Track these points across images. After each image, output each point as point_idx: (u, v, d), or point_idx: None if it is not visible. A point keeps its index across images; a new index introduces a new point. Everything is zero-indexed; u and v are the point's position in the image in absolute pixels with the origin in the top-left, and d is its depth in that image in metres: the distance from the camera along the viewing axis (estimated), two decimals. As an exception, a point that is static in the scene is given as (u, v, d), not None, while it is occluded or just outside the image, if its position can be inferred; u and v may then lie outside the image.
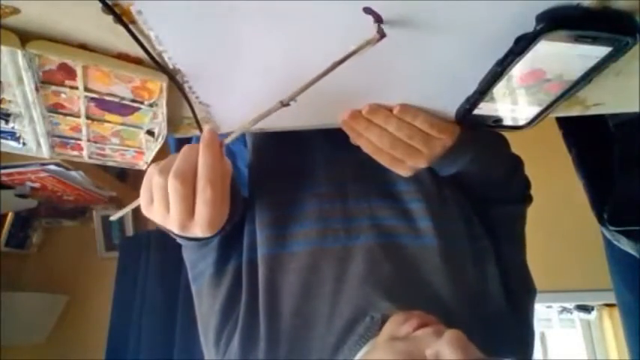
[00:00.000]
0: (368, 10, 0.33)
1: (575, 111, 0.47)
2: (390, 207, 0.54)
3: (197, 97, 0.45)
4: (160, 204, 0.41)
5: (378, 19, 0.33)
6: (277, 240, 0.53)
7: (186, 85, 0.43)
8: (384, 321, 0.44)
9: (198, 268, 0.56)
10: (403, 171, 0.49)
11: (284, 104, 0.39)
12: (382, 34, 0.33)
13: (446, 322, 0.41)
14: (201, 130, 0.51)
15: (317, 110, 0.47)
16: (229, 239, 0.55)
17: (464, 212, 0.56)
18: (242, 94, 0.45)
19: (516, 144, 0.64)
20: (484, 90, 0.40)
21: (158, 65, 0.40)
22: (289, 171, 0.59)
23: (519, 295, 0.55)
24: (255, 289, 0.51)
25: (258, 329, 0.49)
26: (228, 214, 0.44)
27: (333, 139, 0.54)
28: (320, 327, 0.48)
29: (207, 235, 0.44)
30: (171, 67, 0.40)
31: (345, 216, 0.54)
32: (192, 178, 0.39)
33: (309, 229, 0.53)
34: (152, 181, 0.41)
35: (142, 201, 0.43)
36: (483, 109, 0.43)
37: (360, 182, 0.56)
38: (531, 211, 0.63)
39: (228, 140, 0.41)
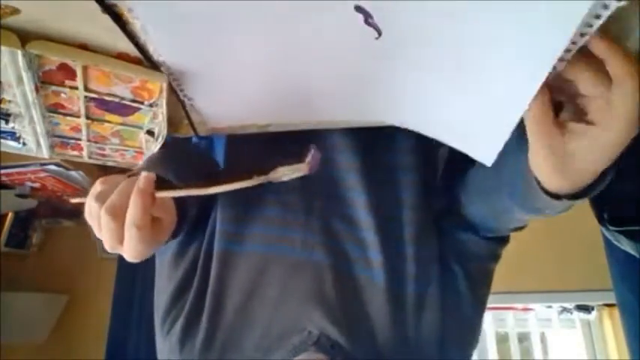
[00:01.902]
0: (358, 9, 0.33)
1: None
2: (348, 232, 0.54)
3: (182, 90, 0.45)
4: (93, 225, 0.43)
5: (368, 17, 0.33)
6: (234, 237, 0.54)
7: (174, 83, 0.43)
8: (319, 339, 0.47)
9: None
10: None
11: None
12: (313, 164, 0.35)
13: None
14: (195, 131, 0.51)
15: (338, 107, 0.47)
16: (197, 222, 0.56)
17: (422, 254, 0.55)
18: (229, 90, 0.45)
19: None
20: None
21: (155, 65, 0.40)
22: (259, 172, 0.59)
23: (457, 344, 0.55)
24: (207, 280, 0.53)
25: (201, 318, 0.51)
26: (170, 234, 0.47)
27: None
28: (257, 329, 0.50)
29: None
30: (157, 61, 0.40)
31: (304, 229, 0.54)
32: (122, 215, 0.41)
33: (268, 234, 0.54)
34: (89, 201, 0.43)
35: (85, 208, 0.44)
36: None
37: (327, 201, 0.56)
38: (531, 211, 0.62)
39: (160, 195, 0.42)
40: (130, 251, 0.42)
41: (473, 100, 0.40)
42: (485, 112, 0.40)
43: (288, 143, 0.55)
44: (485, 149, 0.43)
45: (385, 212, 0.55)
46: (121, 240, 0.41)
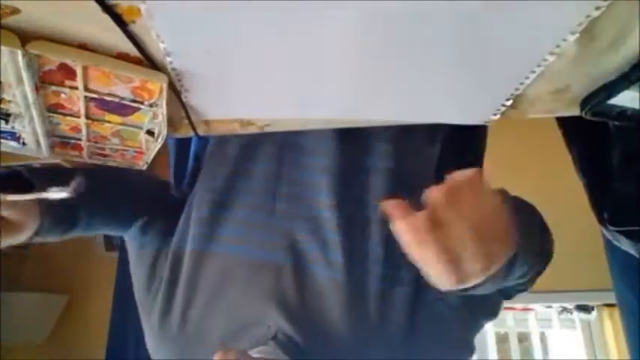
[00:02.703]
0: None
1: (575, 111, 0.47)
2: (311, 232, 0.56)
3: (179, 81, 0.44)
4: None
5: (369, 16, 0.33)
6: (205, 238, 0.58)
7: (173, 72, 0.43)
8: (276, 335, 0.50)
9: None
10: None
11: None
12: (77, 188, 0.40)
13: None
14: (195, 131, 0.51)
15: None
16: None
17: (391, 254, 0.54)
18: (230, 87, 0.45)
19: (517, 145, 0.64)
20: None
21: (155, 66, 0.40)
22: (231, 176, 0.61)
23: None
24: (177, 274, 0.58)
25: (172, 306, 0.56)
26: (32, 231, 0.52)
27: (280, 155, 0.59)
28: (222, 321, 0.54)
29: None
30: (163, 62, 0.40)
31: (266, 231, 0.57)
32: None
33: (233, 236, 0.57)
34: None
35: None
36: (619, 97, 0.42)
37: (290, 202, 0.58)
38: (531, 211, 0.63)
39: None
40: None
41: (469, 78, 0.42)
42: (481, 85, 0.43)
43: (266, 144, 0.59)
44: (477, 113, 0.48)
45: (351, 212, 0.56)
46: None
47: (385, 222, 0.54)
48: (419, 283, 0.54)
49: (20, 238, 0.51)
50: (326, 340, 0.51)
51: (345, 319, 0.52)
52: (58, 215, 0.53)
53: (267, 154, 0.60)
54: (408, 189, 0.58)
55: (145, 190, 0.67)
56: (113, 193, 0.62)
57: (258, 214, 0.58)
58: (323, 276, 0.54)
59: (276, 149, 0.59)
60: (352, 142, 0.58)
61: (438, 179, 0.63)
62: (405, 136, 0.59)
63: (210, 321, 0.55)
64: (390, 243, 0.54)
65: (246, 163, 0.61)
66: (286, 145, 0.60)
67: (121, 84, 0.41)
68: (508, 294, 0.57)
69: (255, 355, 0.46)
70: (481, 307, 0.57)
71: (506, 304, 0.61)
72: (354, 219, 0.56)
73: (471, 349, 0.57)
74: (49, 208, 0.51)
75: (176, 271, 0.58)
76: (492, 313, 0.59)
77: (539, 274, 0.56)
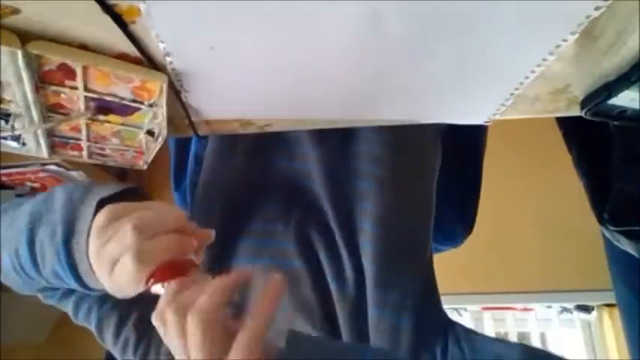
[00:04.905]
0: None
1: (575, 111, 0.47)
2: (323, 241, 0.55)
3: (179, 81, 0.44)
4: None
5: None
6: (218, 257, 0.55)
7: (172, 72, 0.43)
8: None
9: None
10: None
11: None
12: None
13: None
14: (195, 131, 0.51)
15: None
16: None
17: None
18: (230, 85, 0.45)
19: (517, 145, 0.64)
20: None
21: (155, 66, 0.40)
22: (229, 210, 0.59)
23: None
24: None
25: None
26: None
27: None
28: None
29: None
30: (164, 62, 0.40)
31: (282, 239, 0.56)
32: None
33: (252, 247, 0.56)
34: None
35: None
36: (619, 97, 0.42)
37: (304, 210, 0.57)
38: (531, 211, 0.63)
39: None
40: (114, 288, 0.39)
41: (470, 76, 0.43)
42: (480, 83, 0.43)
43: (271, 155, 0.59)
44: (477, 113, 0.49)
45: (352, 225, 0.55)
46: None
47: (380, 236, 0.54)
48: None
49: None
50: None
51: (349, 330, 0.51)
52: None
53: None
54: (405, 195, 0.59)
55: None
56: None
57: (272, 222, 0.57)
58: (334, 285, 0.53)
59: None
60: (344, 147, 0.58)
61: (437, 181, 0.64)
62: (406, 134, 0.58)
63: None
64: None
65: (246, 194, 0.60)
66: (287, 151, 0.59)
67: (121, 84, 0.41)
68: None
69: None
70: None
71: (506, 304, 0.60)
72: (354, 230, 0.55)
73: None
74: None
75: None
76: None
77: None
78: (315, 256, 0.55)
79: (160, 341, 0.37)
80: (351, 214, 0.56)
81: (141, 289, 0.37)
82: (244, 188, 0.60)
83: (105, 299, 0.51)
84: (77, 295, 0.51)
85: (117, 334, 0.51)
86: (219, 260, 0.55)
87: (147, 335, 0.51)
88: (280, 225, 0.56)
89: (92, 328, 0.52)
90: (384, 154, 0.57)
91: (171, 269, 0.36)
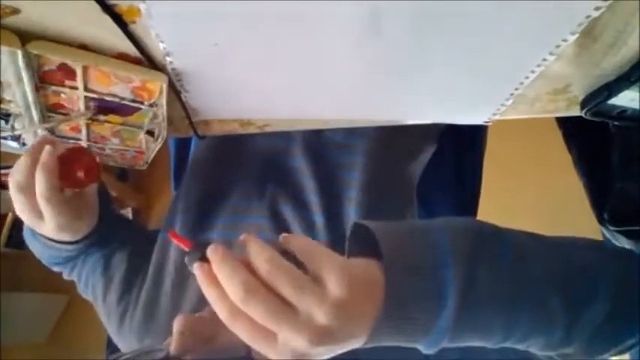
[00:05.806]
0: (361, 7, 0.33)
1: (575, 111, 0.47)
2: (298, 215, 0.56)
3: (179, 80, 0.44)
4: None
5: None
6: (198, 226, 0.58)
7: (172, 73, 0.42)
8: None
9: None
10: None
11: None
12: None
13: None
14: (195, 131, 0.51)
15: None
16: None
17: None
18: (230, 85, 0.45)
19: (517, 144, 0.64)
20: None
21: (155, 66, 0.40)
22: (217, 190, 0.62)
23: None
24: (164, 262, 0.57)
25: (160, 293, 0.55)
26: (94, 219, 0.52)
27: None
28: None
29: (64, 238, 0.51)
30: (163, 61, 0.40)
31: (256, 214, 0.58)
32: (27, 188, 0.44)
33: (226, 223, 0.58)
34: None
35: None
36: (619, 97, 0.42)
37: (279, 186, 0.59)
38: (531, 210, 0.63)
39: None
40: (49, 222, 0.46)
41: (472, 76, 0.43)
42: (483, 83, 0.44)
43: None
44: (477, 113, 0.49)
45: (334, 193, 0.57)
46: (35, 213, 0.45)
47: (364, 204, 0.55)
48: None
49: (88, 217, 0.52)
50: None
51: None
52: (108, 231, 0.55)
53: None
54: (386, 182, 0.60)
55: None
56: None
57: (247, 198, 0.59)
58: None
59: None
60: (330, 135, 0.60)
61: (437, 181, 0.64)
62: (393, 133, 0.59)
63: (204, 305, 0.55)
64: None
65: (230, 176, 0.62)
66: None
67: (121, 84, 0.41)
68: None
69: None
70: None
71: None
72: (337, 199, 0.56)
73: None
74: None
75: (163, 258, 0.57)
76: None
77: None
78: (289, 231, 0.56)
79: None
80: (333, 183, 0.57)
81: (55, 199, 0.44)
82: (222, 165, 0.62)
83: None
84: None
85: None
86: (198, 233, 0.57)
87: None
88: (255, 200, 0.58)
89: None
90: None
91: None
